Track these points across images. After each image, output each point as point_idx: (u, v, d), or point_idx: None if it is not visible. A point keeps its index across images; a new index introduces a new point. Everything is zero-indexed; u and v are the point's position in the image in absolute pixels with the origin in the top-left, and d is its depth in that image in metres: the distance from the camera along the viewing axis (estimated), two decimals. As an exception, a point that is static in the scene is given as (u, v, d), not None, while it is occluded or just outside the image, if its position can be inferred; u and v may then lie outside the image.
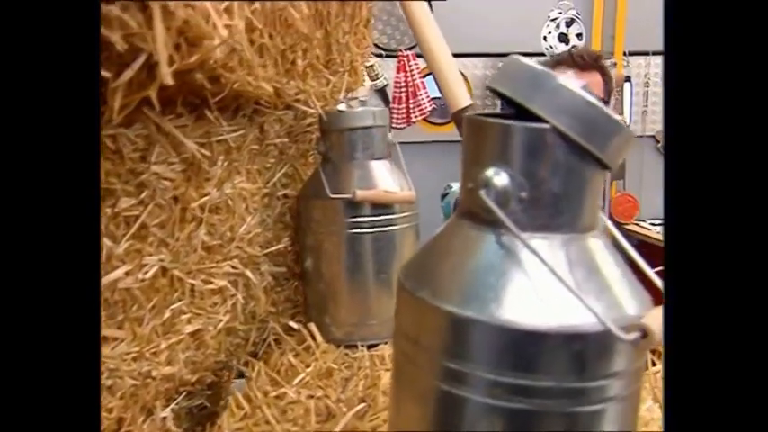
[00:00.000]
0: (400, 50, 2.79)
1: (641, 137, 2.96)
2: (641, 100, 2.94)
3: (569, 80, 0.37)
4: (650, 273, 0.44)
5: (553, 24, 2.54)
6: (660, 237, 2.75)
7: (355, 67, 0.99)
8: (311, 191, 0.83)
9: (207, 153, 0.66)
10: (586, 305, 0.35)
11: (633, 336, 0.34)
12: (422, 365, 0.40)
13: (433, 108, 2.84)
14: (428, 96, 2.82)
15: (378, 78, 2.80)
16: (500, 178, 0.38)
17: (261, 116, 0.78)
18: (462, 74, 2.90)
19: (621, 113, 2.81)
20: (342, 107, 0.86)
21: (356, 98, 0.94)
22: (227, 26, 0.46)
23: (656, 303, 0.37)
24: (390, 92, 2.82)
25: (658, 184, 2.47)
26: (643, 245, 2.93)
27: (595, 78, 1.37)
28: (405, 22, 2.85)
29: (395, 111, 2.84)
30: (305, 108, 0.76)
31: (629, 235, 2.95)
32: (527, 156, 0.38)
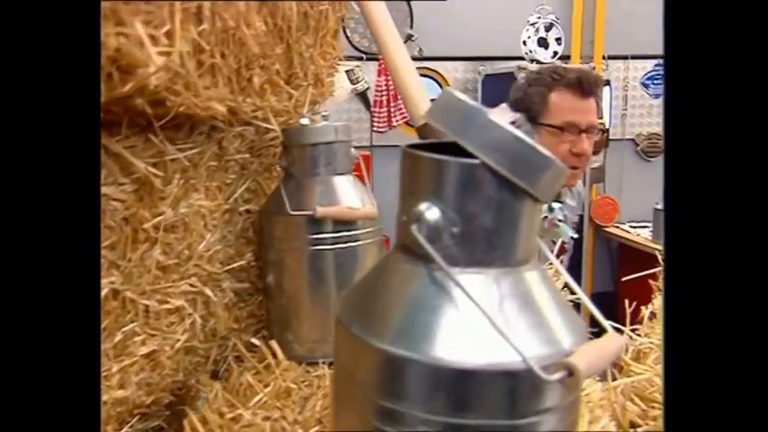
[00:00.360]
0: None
1: (621, 140, 2.99)
2: (621, 103, 2.97)
3: (500, 116, 0.37)
4: (588, 304, 0.44)
5: (532, 29, 2.55)
6: (639, 239, 2.78)
7: (321, 79, 0.98)
8: (273, 207, 0.83)
9: (159, 172, 0.65)
10: (511, 344, 0.34)
11: (557, 376, 0.34)
12: (357, 401, 0.40)
13: (415, 111, 2.85)
14: (409, 100, 2.83)
15: (359, 82, 2.80)
16: (432, 213, 0.37)
17: (219, 133, 0.77)
18: (443, 77, 2.92)
19: (601, 117, 2.83)
20: (304, 121, 0.85)
21: (319, 113, 0.93)
22: (163, 52, 0.45)
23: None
24: (371, 95, 2.82)
25: (638, 186, 2.51)
26: (623, 247, 2.96)
27: (594, 104, 1.33)
28: (385, 26, 2.86)
29: (376, 114, 2.84)
30: (263, 125, 0.75)
31: (609, 237, 2.98)
32: (459, 191, 0.37)
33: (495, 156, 0.36)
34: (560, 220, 0.91)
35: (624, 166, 2.99)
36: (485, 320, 0.36)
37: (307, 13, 0.88)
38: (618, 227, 2.96)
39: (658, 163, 3.03)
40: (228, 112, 0.67)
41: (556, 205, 0.90)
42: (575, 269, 2.68)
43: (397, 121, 2.84)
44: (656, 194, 2.60)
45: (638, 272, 1.27)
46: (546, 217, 0.90)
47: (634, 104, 2.98)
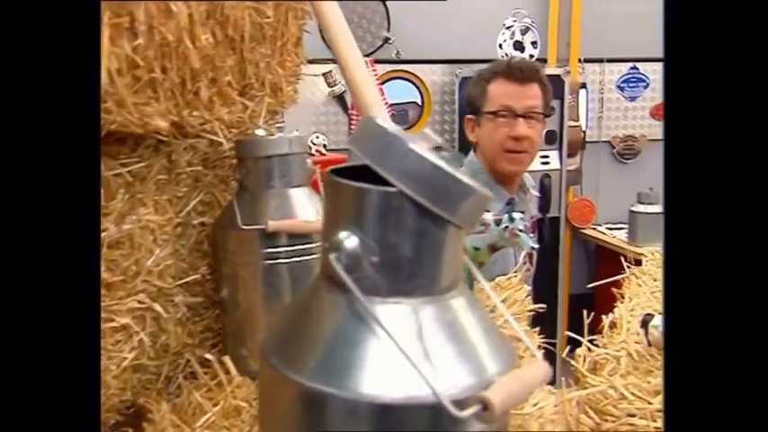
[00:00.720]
0: (358, 56, 2.77)
1: (597, 142, 3.01)
2: (597, 106, 2.99)
3: (421, 142, 0.36)
4: (516, 327, 0.43)
5: (508, 32, 2.56)
6: (615, 241, 2.80)
7: (281, 88, 0.97)
8: (226, 220, 0.81)
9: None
10: (423, 377, 0.34)
11: (470, 411, 0.33)
12: (279, 432, 0.39)
13: (392, 114, 2.84)
14: (386, 103, 2.82)
15: (335, 85, 2.79)
16: (351, 241, 0.37)
17: (168, 146, 0.76)
18: (420, 79, 2.92)
19: (577, 120, 2.85)
20: (259, 133, 0.84)
21: (274, 124, 0.92)
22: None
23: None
24: (349, 98, 2.81)
25: (614, 188, 2.53)
26: (600, 249, 2.98)
27: (534, 90, 1.37)
28: (362, 28, 2.84)
29: (354, 117, 2.83)
30: (213, 137, 0.74)
31: (586, 239, 3.00)
32: (379, 219, 0.37)
33: (414, 184, 0.35)
34: (521, 230, 0.91)
35: (601, 169, 3.01)
36: (413, 351, 0.35)
37: (262, 22, 0.86)
38: (595, 228, 2.98)
39: (634, 165, 3.06)
40: (173, 126, 0.66)
41: (517, 215, 0.90)
42: (552, 271, 2.70)
43: (374, 123, 2.83)
44: (633, 196, 2.63)
45: (614, 274, 1.28)
46: (507, 227, 0.90)
47: (610, 107, 3.00)
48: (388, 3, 2.77)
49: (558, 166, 2.67)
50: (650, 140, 3.04)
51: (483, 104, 1.39)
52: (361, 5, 2.78)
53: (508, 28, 2.55)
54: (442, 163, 0.36)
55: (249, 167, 0.82)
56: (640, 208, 2.58)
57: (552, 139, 2.62)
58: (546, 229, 2.70)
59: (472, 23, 2.74)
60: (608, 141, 3.03)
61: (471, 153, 1.48)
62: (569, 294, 2.87)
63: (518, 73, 1.36)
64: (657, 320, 0.79)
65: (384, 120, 0.38)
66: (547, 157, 2.63)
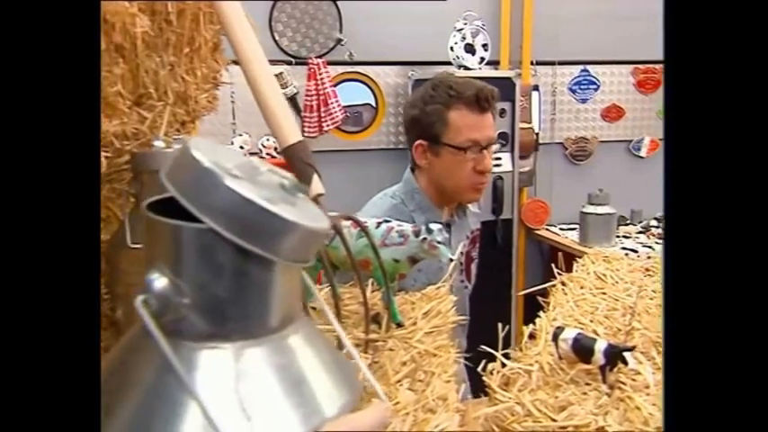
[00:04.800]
0: (310, 58, 2.73)
1: (550, 144, 3.04)
2: (549, 108, 3.02)
3: (236, 178, 0.33)
4: (353, 352, 0.41)
5: (459, 35, 2.55)
6: (568, 242, 2.83)
7: (190, 96, 0.93)
8: (119, 238, 0.77)
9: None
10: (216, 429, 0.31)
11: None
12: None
13: (346, 116, 2.81)
14: (340, 105, 2.78)
15: (287, 87, 2.74)
16: (159, 282, 0.34)
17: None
18: (374, 81, 2.90)
19: (530, 122, 2.87)
20: (158, 144, 0.80)
21: (186, 133, 0.88)
22: None
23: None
24: (301, 100, 2.76)
25: (568, 189, 2.55)
26: (554, 250, 3.01)
27: (491, 118, 1.34)
28: (314, 30, 2.80)
29: (306, 119, 2.79)
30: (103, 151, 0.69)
31: (540, 240, 3.03)
32: (192, 258, 0.34)
33: (225, 220, 0.33)
34: (439, 242, 0.89)
35: (554, 170, 3.04)
36: (226, 402, 0.33)
37: (162, 28, 0.82)
38: (548, 229, 3.00)
39: (587, 166, 3.10)
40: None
41: (434, 226, 0.88)
42: (506, 273, 2.71)
43: (327, 125, 2.80)
44: (585, 197, 2.65)
45: (568, 273, 1.27)
46: (425, 239, 0.88)
47: (562, 109, 3.03)
48: (339, 3, 2.74)
49: (510, 168, 2.68)
50: (602, 142, 3.09)
51: (442, 134, 1.30)
52: (311, 6, 2.74)
53: (459, 30, 2.54)
54: (257, 198, 0.33)
55: (145, 181, 0.77)
56: (590, 209, 2.61)
57: (504, 141, 2.63)
58: (499, 231, 2.72)
59: (425, 25, 2.73)
60: (561, 143, 3.06)
61: (409, 171, 1.42)
62: (525, 296, 2.89)
63: (483, 102, 1.29)
64: (567, 333, 0.78)
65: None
66: (499, 159, 2.64)
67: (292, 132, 0.87)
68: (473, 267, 1.56)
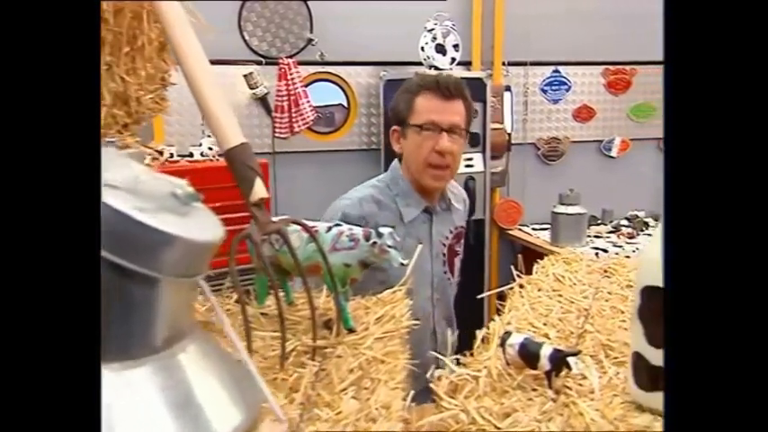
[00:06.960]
0: (281, 58, 2.70)
1: (522, 144, 3.05)
2: (521, 109, 3.03)
3: (113, 189, 0.31)
4: (251, 368, 0.39)
5: (430, 35, 2.55)
6: (539, 242, 2.84)
7: (131, 97, 0.90)
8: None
9: None
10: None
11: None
12: None
13: (317, 117, 2.78)
14: (311, 105, 2.76)
15: (257, 87, 2.70)
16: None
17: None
18: (345, 81, 2.88)
19: (502, 122, 2.88)
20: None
21: (129, 134, 0.86)
22: None
23: None
24: (272, 101, 2.73)
25: (540, 190, 2.56)
26: (526, 249, 3.02)
27: (458, 107, 1.40)
28: (285, 29, 2.77)
29: (277, 120, 2.75)
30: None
31: (512, 240, 3.04)
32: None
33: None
34: (390, 246, 0.87)
35: (526, 170, 3.05)
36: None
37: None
38: (521, 229, 3.02)
39: (558, 166, 3.11)
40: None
41: (385, 230, 0.86)
42: (478, 273, 2.71)
43: (299, 126, 2.77)
44: (556, 198, 2.67)
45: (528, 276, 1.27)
46: (375, 243, 0.87)
47: (534, 110, 3.04)
48: (309, 3, 2.71)
49: (482, 169, 2.68)
50: (574, 142, 3.11)
51: (409, 117, 1.42)
52: (282, 6, 2.71)
53: (429, 31, 2.54)
54: (129, 210, 0.31)
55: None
56: (561, 209, 2.62)
57: (476, 141, 2.63)
58: (471, 231, 2.72)
59: (396, 25, 2.72)
60: (533, 143, 3.08)
61: (396, 160, 1.51)
62: (498, 296, 2.90)
63: (445, 90, 1.38)
64: (514, 338, 0.77)
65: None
66: (471, 159, 2.64)
67: (233, 134, 0.84)
68: (456, 261, 1.61)
